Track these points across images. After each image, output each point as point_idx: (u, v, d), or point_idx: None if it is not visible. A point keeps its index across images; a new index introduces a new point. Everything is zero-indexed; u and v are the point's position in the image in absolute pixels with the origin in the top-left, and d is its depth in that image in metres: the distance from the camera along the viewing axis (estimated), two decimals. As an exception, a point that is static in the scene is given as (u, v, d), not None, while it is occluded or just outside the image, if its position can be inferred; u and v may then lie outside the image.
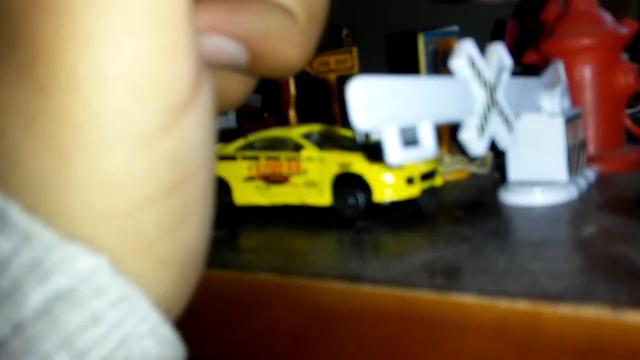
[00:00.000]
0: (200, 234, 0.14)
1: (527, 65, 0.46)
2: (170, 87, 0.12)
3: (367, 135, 0.33)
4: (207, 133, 0.13)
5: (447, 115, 0.26)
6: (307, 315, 0.26)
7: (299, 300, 0.26)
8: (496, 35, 0.63)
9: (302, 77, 0.49)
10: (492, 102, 0.29)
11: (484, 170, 0.43)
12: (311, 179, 0.34)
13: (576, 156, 0.37)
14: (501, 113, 0.30)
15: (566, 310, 0.21)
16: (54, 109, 0.11)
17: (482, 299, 0.22)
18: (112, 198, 0.12)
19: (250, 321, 0.27)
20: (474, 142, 0.27)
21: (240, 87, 0.17)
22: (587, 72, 0.40)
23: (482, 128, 0.28)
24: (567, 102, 0.37)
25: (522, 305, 0.21)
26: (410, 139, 0.23)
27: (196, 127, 0.13)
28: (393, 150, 0.21)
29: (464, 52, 0.27)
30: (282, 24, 0.16)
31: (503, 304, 0.21)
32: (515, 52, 0.48)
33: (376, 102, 0.20)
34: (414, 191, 0.33)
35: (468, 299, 0.22)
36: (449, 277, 0.24)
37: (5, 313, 0.11)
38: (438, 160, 0.37)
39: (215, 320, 0.28)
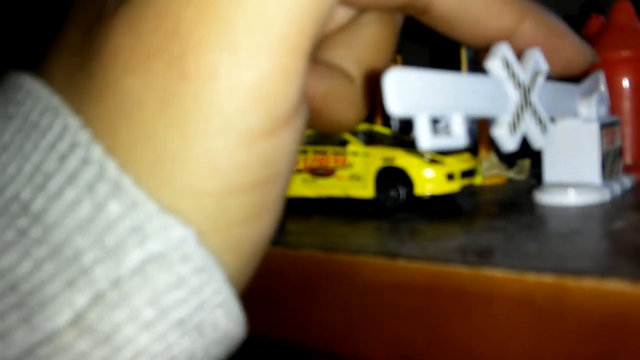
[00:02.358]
0: (270, 228, 0.16)
1: (568, 78, 0.47)
2: (281, 102, 0.14)
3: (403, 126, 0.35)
4: (295, 147, 0.16)
5: (480, 111, 0.27)
6: (347, 288, 0.27)
7: (340, 274, 0.28)
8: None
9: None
10: (526, 103, 0.31)
11: (521, 177, 0.44)
12: (356, 172, 0.36)
13: (611, 162, 0.38)
14: (535, 114, 0.31)
15: (590, 283, 0.22)
16: (191, 96, 0.13)
17: (510, 273, 0.23)
18: (212, 180, 0.14)
19: (293, 294, 0.29)
20: (505, 139, 0.29)
21: None
22: (625, 83, 0.41)
23: (514, 126, 0.30)
24: (604, 110, 0.38)
25: (548, 279, 0.23)
26: (443, 130, 0.25)
27: (289, 140, 0.15)
28: (423, 137, 0.23)
29: (499, 53, 0.29)
30: (341, 87, 0.19)
31: (530, 278, 0.23)
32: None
33: (409, 91, 0.22)
34: (453, 187, 0.35)
35: (497, 273, 0.24)
36: (480, 256, 0.26)
37: (108, 268, 0.13)
38: (478, 161, 0.38)
39: (260, 293, 0.30)
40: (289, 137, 0.15)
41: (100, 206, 0.13)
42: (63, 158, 0.13)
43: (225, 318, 0.15)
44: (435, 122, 0.26)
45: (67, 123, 0.14)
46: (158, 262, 0.13)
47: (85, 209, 0.13)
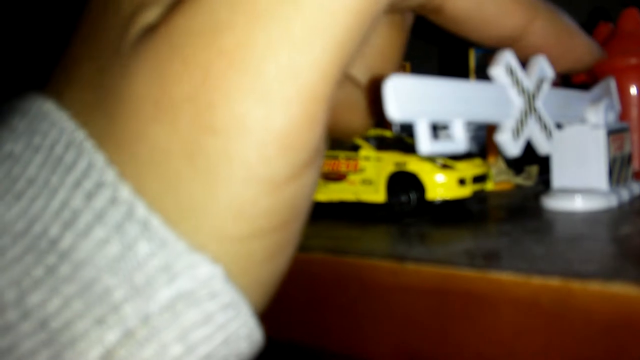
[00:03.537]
0: (287, 263, 0.17)
1: (577, 85, 0.48)
2: (305, 147, 0.14)
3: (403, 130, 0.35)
4: (315, 185, 0.16)
5: (482, 116, 0.28)
6: (355, 291, 0.28)
7: (348, 277, 0.28)
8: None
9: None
10: (531, 109, 0.31)
11: (529, 183, 0.45)
12: (368, 176, 0.37)
13: (620, 168, 0.38)
14: (540, 120, 0.32)
15: (595, 286, 0.22)
16: (219, 147, 0.13)
17: (516, 276, 0.24)
18: (237, 225, 0.14)
19: (303, 296, 0.30)
20: (509, 144, 0.29)
21: None
22: (633, 90, 0.42)
23: (517, 132, 0.30)
24: (613, 116, 0.38)
25: (554, 282, 0.23)
26: (445, 136, 0.25)
27: (311, 180, 0.15)
28: (423, 142, 0.23)
29: (503, 60, 0.30)
30: (351, 95, 0.19)
31: (536, 281, 0.23)
32: (569, 75, 0.50)
33: (409, 97, 0.23)
34: (465, 192, 0.35)
35: (503, 276, 0.24)
36: (487, 259, 0.26)
37: (137, 305, 0.13)
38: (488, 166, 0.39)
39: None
40: (311, 178, 0.15)
41: (130, 245, 0.13)
42: (90, 196, 0.13)
43: (249, 347, 0.15)
44: (444, 128, 0.26)
45: (93, 160, 0.14)
46: (187, 299, 0.13)
47: (115, 247, 0.13)
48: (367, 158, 0.37)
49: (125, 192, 0.13)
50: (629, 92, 0.42)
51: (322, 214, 0.39)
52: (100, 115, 0.14)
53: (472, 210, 0.37)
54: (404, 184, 0.36)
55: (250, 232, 0.14)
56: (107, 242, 0.13)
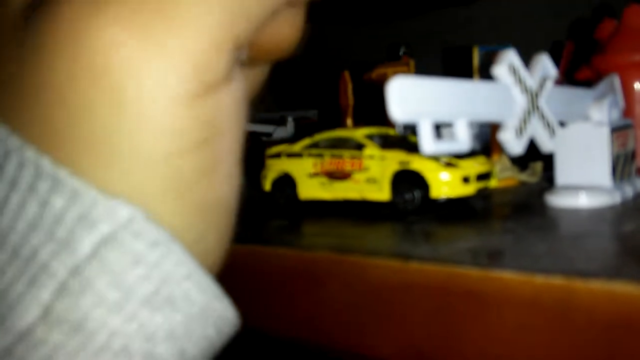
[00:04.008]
0: (227, 186, 0.16)
1: (580, 82, 0.48)
2: (214, 68, 0.15)
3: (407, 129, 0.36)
4: (234, 110, 0.16)
5: (485, 116, 0.28)
6: (360, 289, 0.28)
7: (353, 276, 0.28)
8: (553, 56, 0.65)
9: (359, 88, 0.52)
10: (534, 108, 0.31)
11: (533, 180, 0.45)
12: (372, 175, 0.37)
13: (623, 165, 0.38)
14: (542, 118, 0.32)
15: (597, 285, 0.22)
16: (131, 67, 0.14)
17: (519, 275, 0.24)
18: (158, 142, 0.14)
19: (308, 295, 0.30)
20: (511, 142, 0.30)
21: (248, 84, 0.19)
22: (637, 87, 0.42)
23: (520, 130, 0.30)
24: (616, 113, 0.38)
25: (556, 281, 0.23)
26: (448, 133, 0.26)
27: (225, 101, 0.15)
28: (426, 141, 0.24)
29: (506, 60, 0.30)
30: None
31: (539, 279, 0.24)
32: (572, 72, 0.50)
33: (412, 97, 0.23)
34: (469, 190, 0.36)
35: (507, 275, 0.24)
36: (491, 258, 0.26)
37: (64, 259, 0.13)
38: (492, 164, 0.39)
39: (275, 294, 0.31)
40: (224, 99, 0.16)
41: (45, 203, 0.14)
42: (1, 167, 0.14)
43: (197, 290, 0.15)
44: (448, 125, 0.27)
45: None
46: (110, 243, 0.14)
47: (32, 208, 0.14)
48: (371, 157, 0.37)
49: (30, 152, 0.14)
50: (633, 89, 0.42)
51: (327, 213, 0.39)
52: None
53: (476, 208, 0.38)
54: (408, 182, 0.36)
55: (172, 149, 0.14)
56: (24, 205, 0.14)
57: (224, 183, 0.16)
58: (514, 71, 0.30)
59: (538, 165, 0.45)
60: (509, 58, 0.30)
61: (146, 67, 0.14)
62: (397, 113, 0.22)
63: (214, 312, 0.15)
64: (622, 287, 0.22)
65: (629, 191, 0.37)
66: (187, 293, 0.15)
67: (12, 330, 0.13)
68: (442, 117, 0.25)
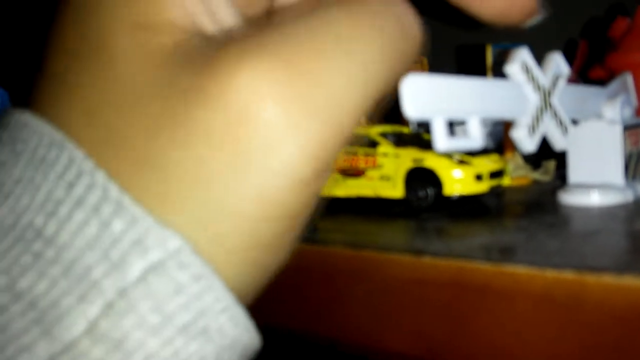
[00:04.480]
0: (287, 253, 0.17)
1: (593, 81, 0.48)
2: (331, 156, 0.16)
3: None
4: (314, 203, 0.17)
5: (498, 113, 0.28)
6: (374, 284, 0.29)
7: (367, 271, 0.29)
8: (567, 54, 0.65)
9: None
10: (546, 106, 0.32)
11: (546, 178, 0.45)
12: (386, 172, 0.38)
13: (636, 163, 0.38)
14: (555, 116, 0.32)
15: (609, 279, 0.23)
16: (262, 140, 0.15)
17: (531, 269, 0.24)
18: (253, 206, 0.15)
19: (323, 290, 0.30)
20: (525, 140, 0.30)
21: None
22: (650, 86, 0.42)
23: (533, 128, 0.30)
24: (629, 112, 0.39)
25: (568, 275, 0.24)
26: (460, 130, 0.26)
27: (323, 184, 0.16)
28: (439, 139, 0.24)
29: (519, 58, 0.30)
30: None
31: (550, 274, 0.24)
32: (586, 71, 0.50)
33: (425, 95, 0.24)
34: (482, 187, 0.36)
35: (519, 270, 0.25)
36: (503, 253, 0.27)
37: (115, 280, 0.14)
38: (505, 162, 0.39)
39: (290, 288, 0.32)
40: (323, 182, 0.16)
41: (105, 224, 0.14)
42: (70, 186, 0.15)
43: (231, 324, 0.15)
44: (461, 123, 0.27)
45: (73, 155, 0.15)
46: (158, 270, 0.14)
47: (93, 228, 0.14)
48: (385, 154, 0.38)
49: (100, 177, 0.15)
50: (646, 88, 0.42)
51: (341, 209, 0.40)
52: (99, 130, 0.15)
53: (489, 205, 0.38)
54: (421, 179, 0.36)
55: (263, 216, 0.15)
56: (86, 224, 0.14)
57: (285, 250, 0.17)
58: (526, 69, 0.31)
59: (551, 164, 0.45)
60: (522, 56, 0.31)
61: (278, 140, 0.15)
62: (411, 111, 0.23)
63: (242, 343, 0.16)
64: (632, 281, 0.22)
65: (641, 189, 0.37)
66: (222, 326, 0.15)
67: (58, 341, 0.14)
68: (456, 115, 0.25)
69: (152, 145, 0.15)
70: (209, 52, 0.15)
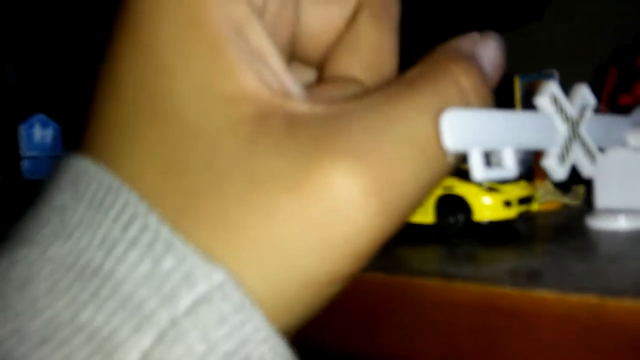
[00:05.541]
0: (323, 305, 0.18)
1: (622, 107, 0.49)
2: (367, 258, 0.18)
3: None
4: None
5: (530, 144, 0.30)
6: (407, 307, 0.30)
7: (400, 294, 0.31)
8: (597, 81, 0.66)
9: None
10: (575, 135, 0.33)
11: (576, 202, 0.46)
12: None
13: (662, 188, 0.39)
14: (583, 145, 0.34)
15: (629, 303, 0.24)
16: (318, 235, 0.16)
17: (556, 293, 0.26)
18: (320, 273, 0.16)
19: (360, 311, 0.32)
20: (555, 169, 0.31)
21: None
22: (676, 112, 0.43)
23: (562, 157, 0.32)
24: (654, 139, 0.40)
25: (590, 299, 0.25)
26: (496, 162, 0.28)
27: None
28: (477, 169, 0.26)
29: (548, 90, 0.32)
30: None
31: (574, 298, 0.25)
32: (615, 97, 0.51)
33: (464, 128, 0.25)
34: (510, 213, 0.38)
35: (544, 294, 0.26)
36: (530, 278, 0.28)
37: (167, 311, 0.15)
38: (534, 188, 0.41)
39: (331, 311, 0.33)
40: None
41: (157, 262, 0.16)
42: (125, 227, 0.16)
43: (271, 353, 0.16)
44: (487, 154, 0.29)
45: (128, 199, 0.16)
46: (205, 302, 0.16)
47: (146, 265, 0.16)
48: None
49: (153, 220, 0.16)
50: (673, 114, 0.43)
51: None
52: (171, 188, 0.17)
53: (518, 230, 0.39)
54: (452, 206, 0.38)
55: (316, 282, 0.17)
56: (140, 262, 0.16)
57: (323, 304, 0.18)
58: (555, 101, 0.32)
59: (580, 189, 0.46)
60: (551, 89, 0.32)
61: (356, 234, 0.16)
62: (450, 143, 0.24)
63: None
64: (652, 305, 0.24)
65: (668, 214, 0.38)
66: (262, 355, 0.16)
67: None
68: (492, 146, 0.27)
69: (234, 211, 0.16)
70: (296, 136, 0.16)
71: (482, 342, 0.28)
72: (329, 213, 0.16)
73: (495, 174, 0.28)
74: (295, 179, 0.16)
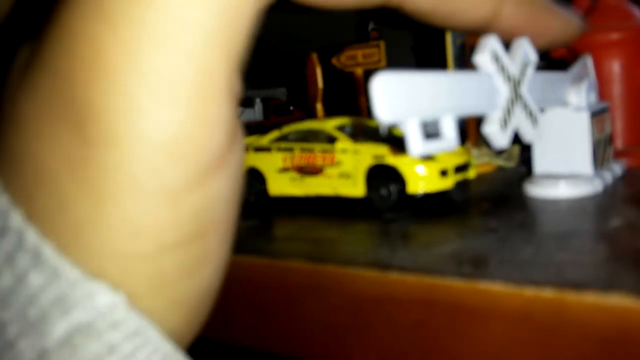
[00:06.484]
0: (214, 277, 0.15)
1: (553, 60, 0.46)
2: (203, 151, 0.13)
3: (391, 127, 0.34)
4: (233, 189, 0.15)
5: (470, 109, 0.26)
6: (336, 302, 0.26)
7: (329, 287, 0.27)
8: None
9: (329, 71, 0.50)
10: (516, 97, 0.30)
11: (510, 164, 0.43)
12: (345, 170, 0.35)
13: (602, 150, 0.37)
14: (525, 107, 0.30)
15: (591, 298, 0.21)
16: (96, 160, 0.13)
17: (508, 287, 0.23)
18: (137, 242, 0.13)
19: (281, 307, 0.28)
20: (497, 136, 0.28)
21: None
22: (615, 67, 0.40)
23: (505, 122, 0.28)
24: (593, 97, 0.37)
25: (547, 293, 0.22)
26: (432, 132, 0.24)
27: (223, 184, 0.14)
28: (414, 143, 0.22)
29: (488, 47, 0.28)
30: None
31: (529, 292, 0.22)
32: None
33: (398, 96, 0.21)
34: (447, 183, 0.34)
35: (494, 287, 0.23)
36: (475, 266, 0.25)
37: (32, 341, 0.12)
38: (469, 153, 0.37)
39: (246, 305, 0.29)
40: (221, 181, 0.14)
41: (21, 277, 0.13)
42: None
43: None
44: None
45: None
46: (85, 332, 0.13)
47: (6, 280, 0.13)
48: (344, 151, 0.35)
49: (15, 220, 0.13)
50: (611, 69, 0.40)
51: (299, 209, 0.37)
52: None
53: (454, 201, 0.36)
54: (383, 177, 0.34)
55: (154, 249, 0.13)
56: None
57: (210, 275, 0.15)
58: (496, 59, 0.28)
59: (515, 149, 0.44)
60: (491, 45, 0.28)
61: (120, 161, 0.13)
62: (385, 114, 0.20)
63: None
64: (616, 300, 0.21)
65: (608, 177, 0.36)
66: None
67: None
68: (430, 115, 0.23)
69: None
70: None
71: (424, 341, 0.24)
72: None
73: (435, 146, 0.24)
74: None
